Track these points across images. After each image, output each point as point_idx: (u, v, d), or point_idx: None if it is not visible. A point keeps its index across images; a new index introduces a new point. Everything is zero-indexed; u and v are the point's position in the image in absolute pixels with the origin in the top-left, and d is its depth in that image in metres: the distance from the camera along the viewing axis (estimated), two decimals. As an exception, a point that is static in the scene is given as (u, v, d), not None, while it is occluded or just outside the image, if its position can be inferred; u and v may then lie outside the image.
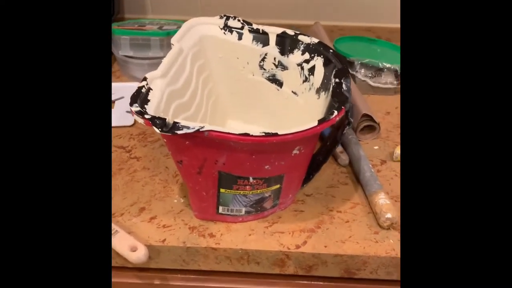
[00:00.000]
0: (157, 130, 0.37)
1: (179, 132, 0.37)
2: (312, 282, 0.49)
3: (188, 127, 0.37)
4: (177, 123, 0.37)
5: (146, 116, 0.38)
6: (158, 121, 0.37)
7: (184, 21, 0.53)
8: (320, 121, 0.39)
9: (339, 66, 0.47)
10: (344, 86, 0.44)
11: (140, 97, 0.40)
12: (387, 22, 0.88)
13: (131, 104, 0.39)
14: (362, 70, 0.67)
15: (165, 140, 0.41)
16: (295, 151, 0.42)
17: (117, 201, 0.50)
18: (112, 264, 0.47)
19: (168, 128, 0.37)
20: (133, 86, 0.68)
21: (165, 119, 0.38)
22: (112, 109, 0.64)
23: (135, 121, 0.62)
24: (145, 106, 0.40)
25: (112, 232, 0.45)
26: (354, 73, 0.67)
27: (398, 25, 0.88)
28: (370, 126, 0.59)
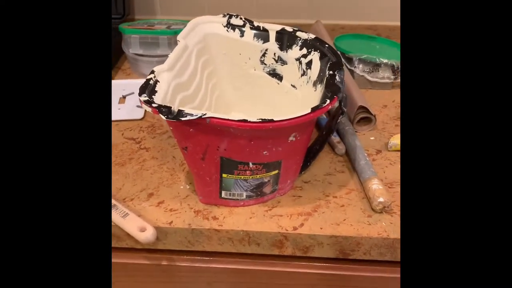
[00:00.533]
0: (163, 117, 0.41)
1: (183, 118, 0.40)
2: (310, 263, 0.52)
3: (191, 114, 0.41)
4: (182, 110, 0.41)
5: (154, 105, 0.41)
6: (164, 109, 0.41)
7: (190, 20, 0.56)
8: (313, 109, 0.42)
9: (333, 59, 0.50)
10: (337, 77, 0.47)
11: (148, 88, 0.44)
12: (387, 20, 0.91)
13: (140, 94, 0.43)
14: (360, 66, 0.69)
15: (171, 128, 0.45)
16: (291, 138, 0.45)
17: (128, 187, 0.54)
18: (122, 246, 0.51)
19: (173, 115, 0.41)
20: (142, 82, 0.72)
21: (171, 107, 0.41)
22: (123, 104, 0.68)
23: (145, 115, 0.66)
24: (153, 96, 0.43)
25: (123, 214, 0.49)
26: (352, 68, 0.70)
27: (398, 23, 0.91)
28: (367, 118, 0.62)
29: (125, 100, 0.69)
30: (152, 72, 0.46)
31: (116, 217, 0.48)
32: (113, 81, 0.73)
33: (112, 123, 0.64)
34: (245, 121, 0.41)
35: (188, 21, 0.59)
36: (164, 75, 0.47)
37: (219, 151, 0.45)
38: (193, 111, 0.41)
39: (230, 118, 0.41)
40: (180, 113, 0.41)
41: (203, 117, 0.41)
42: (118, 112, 0.66)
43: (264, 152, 0.45)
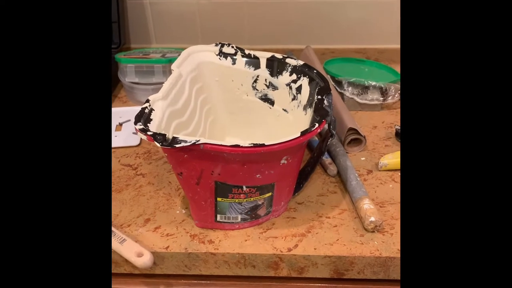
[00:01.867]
0: (158, 144, 0.42)
1: (177, 145, 0.42)
2: (305, 284, 0.53)
3: (185, 141, 0.42)
4: (176, 137, 0.43)
5: (149, 133, 0.43)
6: (159, 137, 0.42)
7: (184, 48, 0.59)
8: (303, 133, 0.44)
9: (322, 84, 0.52)
10: (325, 101, 0.49)
11: (143, 117, 0.46)
12: (375, 44, 0.94)
13: (135, 123, 0.44)
14: (350, 88, 0.72)
15: (166, 155, 0.46)
16: (283, 161, 0.46)
17: (125, 214, 0.55)
18: (121, 271, 0.52)
19: (168, 142, 0.42)
20: (138, 109, 0.74)
21: (165, 134, 0.43)
22: (120, 131, 0.70)
23: (141, 141, 0.67)
24: (148, 124, 0.45)
25: (120, 240, 0.50)
26: (342, 91, 0.72)
27: (387, 46, 0.94)
28: (357, 139, 0.63)
29: (121, 128, 0.71)
30: (147, 101, 0.48)
31: (114, 243, 0.49)
32: (109, 109, 0.75)
33: (109, 150, 0.66)
34: (237, 146, 0.42)
35: (183, 49, 0.61)
36: (159, 103, 0.49)
37: (213, 176, 0.46)
38: (187, 137, 0.43)
39: (223, 144, 0.42)
40: (174, 140, 0.42)
41: (196, 143, 0.42)
42: (115, 139, 0.68)
43: (257, 176, 0.46)
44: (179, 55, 0.76)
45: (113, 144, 0.67)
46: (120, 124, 0.71)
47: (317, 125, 0.45)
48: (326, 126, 0.49)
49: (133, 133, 0.69)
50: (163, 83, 0.72)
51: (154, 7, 0.92)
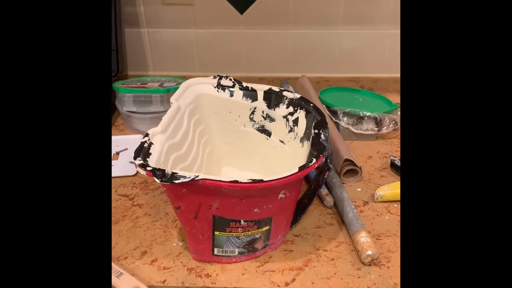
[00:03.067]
0: (158, 180, 0.42)
1: (176, 181, 0.42)
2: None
3: (184, 177, 0.42)
4: (175, 173, 0.43)
5: (148, 168, 0.43)
6: (158, 172, 0.43)
7: (182, 76, 0.60)
8: (301, 168, 0.44)
9: (318, 118, 0.53)
10: (322, 136, 0.50)
11: (142, 151, 0.46)
12: (369, 73, 0.96)
13: (134, 158, 0.45)
14: (345, 119, 0.73)
15: (164, 188, 0.47)
16: (281, 195, 0.47)
17: (121, 246, 0.54)
18: (116, 305, 0.51)
19: (167, 178, 0.43)
20: (136, 138, 0.75)
21: (164, 170, 0.43)
22: (116, 161, 0.70)
23: (138, 171, 0.67)
24: (147, 159, 0.45)
25: (117, 274, 0.49)
26: (337, 121, 0.73)
27: (381, 75, 0.96)
28: (353, 170, 0.64)
29: (118, 157, 0.71)
30: (147, 134, 0.48)
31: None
32: (106, 138, 0.75)
33: (106, 179, 0.66)
34: (236, 182, 0.42)
35: (180, 77, 0.63)
36: (158, 137, 0.49)
37: (211, 210, 0.46)
38: (186, 173, 0.43)
39: (221, 180, 0.43)
40: (174, 176, 0.43)
41: (195, 179, 0.42)
42: (112, 168, 0.68)
43: (255, 210, 0.47)
44: (177, 84, 0.77)
45: (110, 174, 0.67)
46: (117, 153, 0.71)
47: (314, 160, 0.45)
48: (323, 160, 0.49)
49: (130, 162, 0.69)
50: (160, 112, 0.74)
51: (152, 35, 0.94)
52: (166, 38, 0.94)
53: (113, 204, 0.61)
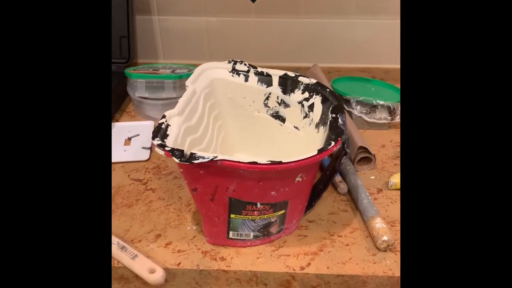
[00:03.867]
0: (177, 160, 0.42)
1: (195, 161, 0.42)
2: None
3: (203, 157, 0.42)
4: (194, 153, 0.43)
5: (167, 148, 0.43)
6: (177, 152, 0.43)
7: (192, 65, 0.59)
8: (319, 151, 0.44)
9: (335, 103, 0.52)
10: (339, 120, 0.49)
11: (160, 132, 0.46)
12: (381, 63, 0.95)
13: (153, 138, 0.45)
14: (358, 107, 0.72)
15: (181, 170, 0.46)
16: (298, 178, 0.47)
17: (136, 229, 0.54)
18: (130, 288, 0.51)
19: (185, 158, 0.42)
20: (147, 124, 0.74)
21: (183, 150, 0.43)
22: (128, 146, 0.70)
23: (150, 156, 0.67)
24: (165, 140, 0.45)
25: (132, 256, 0.49)
26: (350, 110, 0.73)
27: (392, 66, 0.95)
28: (366, 157, 0.64)
29: (130, 142, 0.71)
30: (164, 116, 0.48)
31: (125, 258, 0.49)
32: (118, 123, 0.75)
33: (118, 164, 0.66)
34: (254, 163, 0.42)
35: (191, 65, 0.62)
36: (175, 119, 0.49)
37: (228, 192, 0.46)
38: (205, 154, 0.43)
39: (240, 161, 0.42)
40: (192, 156, 0.42)
41: (214, 159, 0.42)
42: (124, 153, 0.68)
43: (272, 193, 0.47)
44: (188, 71, 0.77)
45: (123, 159, 0.67)
46: (129, 139, 0.71)
47: (333, 143, 0.45)
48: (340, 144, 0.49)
49: (143, 147, 0.69)
50: (172, 98, 0.74)
51: (163, 23, 0.93)
52: (177, 26, 0.93)
53: (126, 188, 0.61)
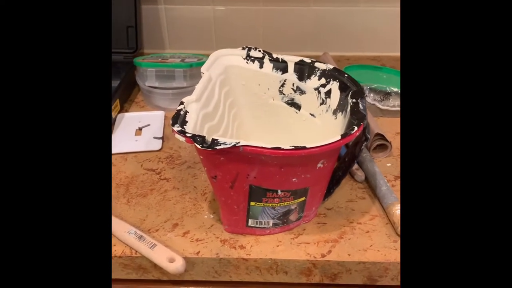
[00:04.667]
0: (199, 146, 0.41)
1: (217, 147, 0.41)
2: (337, 291, 0.52)
3: (225, 143, 0.41)
4: (215, 139, 0.42)
5: (188, 135, 0.42)
6: (199, 138, 0.42)
7: (199, 54, 0.58)
8: (343, 136, 0.43)
9: (354, 88, 0.52)
10: (360, 105, 0.48)
11: (179, 119, 0.45)
12: (391, 51, 0.94)
13: (172, 125, 0.44)
14: (371, 95, 0.71)
15: (201, 157, 0.46)
16: (319, 165, 0.46)
17: (152, 218, 0.54)
18: (148, 278, 0.51)
19: (207, 144, 0.41)
20: (158, 114, 0.73)
21: (205, 136, 0.42)
22: (140, 136, 0.69)
23: (163, 146, 0.66)
24: (184, 126, 0.44)
25: (151, 245, 0.48)
26: (364, 97, 0.72)
27: (401, 54, 0.94)
28: (382, 145, 0.63)
29: (141, 132, 0.70)
30: (182, 103, 0.47)
31: (144, 248, 0.48)
32: (128, 114, 0.74)
33: (130, 154, 0.65)
34: (278, 148, 0.41)
35: (199, 54, 0.60)
36: (193, 105, 0.48)
37: (248, 179, 0.45)
38: (227, 140, 0.42)
39: (263, 146, 0.41)
40: (214, 142, 0.42)
41: (236, 145, 0.41)
42: (135, 144, 0.67)
43: (293, 179, 0.46)
44: (198, 60, 0.76)
45: (134, 149, 0.66)
46: (140, 129, 0.70)
47: (356, 128, 0.44)
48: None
49: (154, 137, 0.68)
50: (183, 87, 0.73)
51: (169, 12, 0.92)
52: (184, 15, 0.92)
53: (140, 178, 0.60)
